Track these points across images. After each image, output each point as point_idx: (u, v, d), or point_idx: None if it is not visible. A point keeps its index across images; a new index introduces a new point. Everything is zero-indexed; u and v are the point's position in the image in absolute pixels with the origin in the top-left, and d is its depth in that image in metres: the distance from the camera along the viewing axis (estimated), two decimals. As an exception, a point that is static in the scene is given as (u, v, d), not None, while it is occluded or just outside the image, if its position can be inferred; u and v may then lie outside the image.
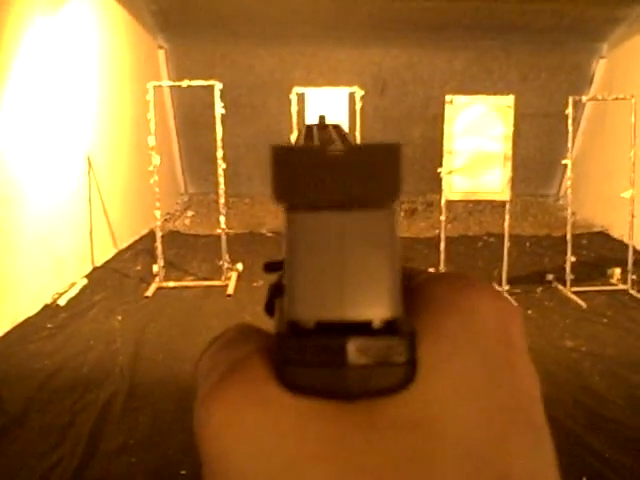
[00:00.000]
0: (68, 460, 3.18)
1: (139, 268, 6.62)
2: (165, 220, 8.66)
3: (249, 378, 0.23)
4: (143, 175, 6.53)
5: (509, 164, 5.95)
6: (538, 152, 10.05)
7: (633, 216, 6.14)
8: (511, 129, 5.96)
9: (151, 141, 5.99)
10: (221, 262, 6.20)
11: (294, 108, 6.24)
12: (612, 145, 8.25)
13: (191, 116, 9.63)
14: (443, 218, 6.17)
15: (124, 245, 7.40)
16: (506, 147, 5.97)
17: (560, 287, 5.96)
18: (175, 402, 3.72)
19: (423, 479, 0.21)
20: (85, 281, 6.07)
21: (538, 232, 8.58)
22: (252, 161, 9.68)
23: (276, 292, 0.30)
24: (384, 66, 9.64)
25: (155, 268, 6.09)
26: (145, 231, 7.81)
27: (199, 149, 9.71)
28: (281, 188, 0.22)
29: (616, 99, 6.47)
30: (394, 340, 0.22)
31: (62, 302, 5.50)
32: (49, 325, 5.01)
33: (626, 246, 6.24)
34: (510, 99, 5.99)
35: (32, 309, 5.23)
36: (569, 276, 5.88)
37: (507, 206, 6.07)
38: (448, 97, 6.06)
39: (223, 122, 6.06)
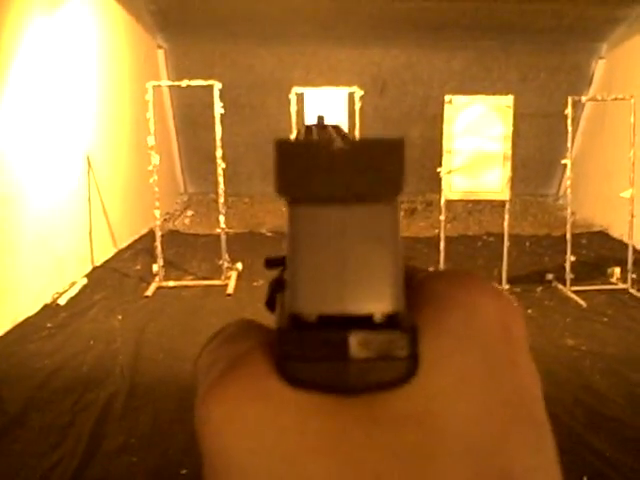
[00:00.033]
0: (68, 460, 3.17)
1: (139, 267, 6.62)
2: (165, 220, 8.66)
3: (250, 373, 0.23)
4: (143, 175, 6.53)
5: (508, 164, 5.96)
6: (538, 152, 10.06)
7: (632, 216, 6.15)
8: (510, 129, 5.97)
9: (150, 141, 5.99)
10: (221, 261, 6.20)
11: (293, 108, 6.24)
12: (611, 145, 8.26)
13: (190, 116, 9.63)
14: (443, 218, 6.17)
15: (124, 245, 7.40)
16: (505, 147, 5.97)
17: (560, 286, 5.96)
18: (175, 401, 3.72)
19: (424, 474, 0.21)
20: (85, 281, 6.07)
21: (538, 232, 8.59)
22: (251, 161, 9.68)
23: (277, 287, 0.30)
24: (384, 66, 9.65)
25: (155, 267, 6.09)
26: (145, 231, 7.81)
27: (198, 149, 9.72)
28: (284, 182, 0.22)
29: (615, 99, 6.47)
30: (396, 334, 0.22)
31: (62, 302, 5.50)
32: (49, 325, 5.01)
33: (626, 245, 6.25)
34: (509, 99, 5.99)
35: (32, 309, 5.23)
36: (569, 275, 5.89)
37: (507, 206, 6.07)
38: (447, 97, 6.06)
39: (222, 122, 6.06)
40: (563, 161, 6.34)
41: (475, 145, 6.00)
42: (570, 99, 5.99)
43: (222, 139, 6.08)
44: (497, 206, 7.89)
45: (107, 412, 3.65)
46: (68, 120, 6.03)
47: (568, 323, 5.14)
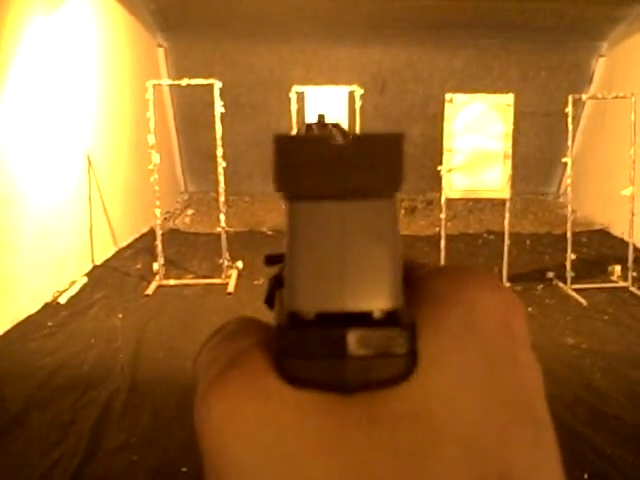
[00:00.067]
0: (69, 458, 3.18)
1: (139, 266, 6.62)
2: (165, 218, 8.66)
3: (249, 371, 0.23)
4: (143, 173, 6.53)
5: (509, 162, 5.96)
6: (538, 150, 10.05)
7: (633, 214, 6.14)
8: (511, 127, 5.97)
9: (151, 140, 5.99)
10: (221, 260, 6.20)
11: (294, 107, 6.24)
12: (612, 143, 8.25)
13: (191, 115, 9.63)
14: (443, 216, 6.17)
15: (124, 243, 7.40)
16: (506, 145, 5.97)
17: (561, 285, 5.96)
18: (176, 400, 3.72)
19: (423, 472, 0.21)
20: (85, 279, 6.07)
21: (538, 230, 8.58)
22: (252, 159, 9.67)
23: (276, 284, 0.30)
24: (384, 65, 9.64)
25: (155, 266, 6.09)
26: (145, 229, 7.81)
27: (199, 147, 9.71)
28: (283, 177, 0.22)
29: (616, 97, 6.47)
30: (394, 331, 0.22)
31: (63, 300, 5.50)
32: (50, 323, 5.01)
33: (626, 244, 6.24)
34: (510, 97, 5.99)
35: (33, 307, 5.23)
36: (569, 274, 5.88)
37: (507, 204, 6.07)
38: (448, 95, 6.06)
39: (223, 120, 6.06)
40: (563, 159, 6.33)
41: (476, 143, 6.00)
42: (570, 97, 5.99)
43: (222, 138, 6.07)
44: (498, 204, 7.89)
45: (108, 410, 3.65)
46: (68, 119, 6.03)
47: (569, 321, 5.14)
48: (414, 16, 8.36)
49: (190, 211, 9.68)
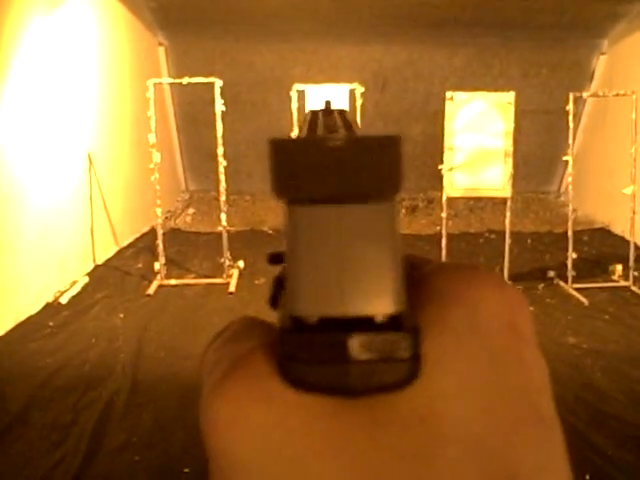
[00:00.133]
0: (71, 458, 3.18)
1: (140, 266, 6.62)
2: (166, 218, 8.66)
3: (252, 374, 0.23)
4: (144, 172, 6.53)
5: (510, 161, 5.95)
6: (539, 149, 10.04)
7: (634, 212, 6.14)
8: (512, 125, 5.96)
9: (151, 138, 5.99)
10: (222, 259, 6.21)
11: (294, 105, 6.23)
12: (613, 141, 8.24)
13: (191, 113, 9.62)
14: (444, 215, 6.17)
15: (125, 243, 7.40)
16: (507, 144, 5.96)
17: (562, 284, 5.96)
18: (177, 399, 3.73)
19: (428, 474, 0.21)
20: (86, 279, 6.07)
21: (539, 229, 8.58)
22: (253, 158, 9.67)
23: (280, 285, 0.30)
24: (384, 63, 9.63)
25: (156, 266, 6.09)
26: (146, 229, 7.80)
27: (199, 146, 9.71)
28: (280, 182, 0.22)
29: (617, 95, 6.46)
30: (398, 335, 0.22)
31: (64, 300, 5.51)
32: (51, 323, 5.02)
33: (627, 242, 6.24)
34: (511, 95, 5.98)
35: (34, 307, 5.23)
36: (570, 273, 5.88)
37: (508, 203, 6.07)
38: (448, 94, 6.05)
39: (223, 119, 6.06)
40: (564, 158, 6.33)
41: (476, 142, 5.99)
42: (571, 95, 5.98)
43: (223, 137, 6.07)
44: (498, 203, 7.89)
45: (109, 410, 3.66)
46: (69, 118, 6.03)
47: (570, 321, 5.14)
48: (414, 14, 8.35)
49: (191, 210, 9.68)
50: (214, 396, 0.23)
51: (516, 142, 6.09)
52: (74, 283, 5.88)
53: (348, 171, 0.21)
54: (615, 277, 6.15)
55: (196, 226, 8.76)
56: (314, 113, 0.38)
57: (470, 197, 7.14)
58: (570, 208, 6.20)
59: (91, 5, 6.61)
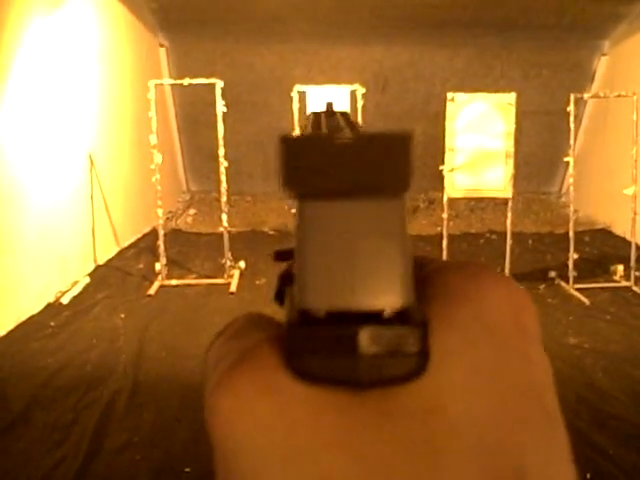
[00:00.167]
0: (72, 458, 3.18)
1: (141, 266, 6.62)
2: (167, 218, 8.66)
3: (259, 367, 0.23)
4: (145, 173, 6.53)
5: (511, 161, 5.95)
6: (540, 149, 10.04)
7: (635, 213, 6.14)
8: (513, 126, 5.96)
9: (153, 139, 5.99)
10: (223, 260, 6.21)
11: (295, 106, 6.23)
12: (614, 142, 8.24)
13: (192, 114, 9.63)
14: (445, 216, 6.16)
15: (126, 243, 7.41)
16: (508, 144, 5.96)
17: (563, 284, 5.95)
18: (178, 399, 3.72)
19: (435, 467, 0.21)
20: (88, 279, 6.08)
21: (540, 229, 8.58)
22: (254, 159, 9.67)
23: (286, 281, 0.30)
24: (385, 64, 9.63)
25: (157, 266, 6.09)
26: (147, 229, 7.81)
27: (201, 147, 9.71)
28: (291, 177, 0.22)
29: (618, 96, 6.46)
30: (406, 329, 0.22)
31: (65, 300, 5.51)
32: (52, 323, 5.02)
33: (629, 243, 6.24)
34: (512, 96, 5.98)
35: (35, 307, 5.23)
36: (572, 273, 5.88)
37: (509, 203, 6.07)
38: (449, 94, 6.06)
39: (224, 120, 6.06)
40: (566, 159, 6.33)
41: (477, 143, 5.99)
42: (572, 96, 5.98)
43: (224, 137, 6.07)
44: (499, 204, 7.89)
45: (110, 410, 3.66)
46: (70, 119, 6.04)
47: (571, 321, 5.14)
48: (415, 15, 8.36)
49: (192, 211, 9.68)
50: (220, 388, 0.23)
51: (517, 143, 6.08)
52: (75, 283, 5.88)
53: (358, 167, 0.21)
54: (616, 277, 6.14)
55: (197, 227, 8.76)
56: (316, 115, 0.38)
57: (471, 198, 7.14)
58: (571, 209, 6.20)
59: (92, 6, 6.62)
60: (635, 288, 5.88)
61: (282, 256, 0.37)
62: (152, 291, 5.79)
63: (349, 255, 0.22)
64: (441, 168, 6.04)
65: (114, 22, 7.32)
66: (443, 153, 6.03)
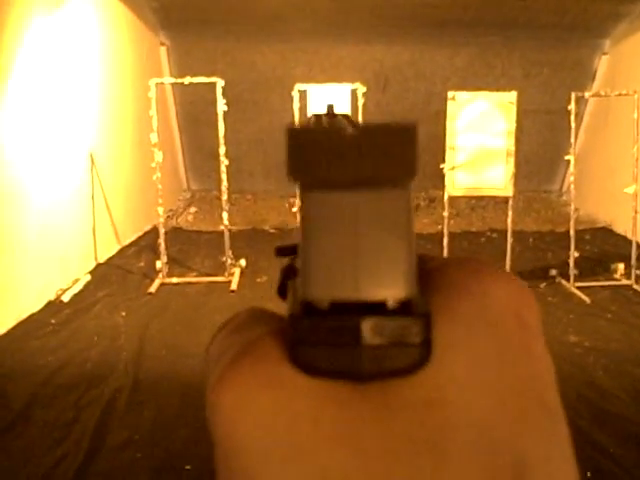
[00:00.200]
0: (73, 456, 3.18)
1: (142, 264, 6.63)
2: (168, 216, 8.66)
3: (261, 359, 0.23)
4: (146, 172, 6.54)
5: (512, 160, 5.95)
6: (541, 148, 10.04)
7: (636, 211, 6.13)
8: (514, 125, 5.96)
9: (153, 138, 5.99)
10: (224, 258, 6.21)
11: (296, 105, 6.23)
12: (615, 141, 8.24)
13: (193, 113, 9.63)
14: (446, 214, 6.16)
15: (127, 241, 7.41)
16: (509, 143, 5.96)
17: (564, 282, 5.95)
18: (179, 397, 3.72)
19: (436, 460, 0.21)
20: (88, 277, 6.08)
21: (541, 228, 8.57)
22: (254, 158, 9.68)
23: (289, 274, 0.30)
24: (386, 62, 9.63)
25: (158, 264, 6.09)
26: (148, 227, 7.81)
27: (201, 146, 9.72)
28: (297, 168, 0.22)
29: (619, 95, 6.46)
30: (409, 320, 0.22)
31: (66, 298, 5.51)
32: (53, 321, 5.02)
33: (629, 241, 6.24)
34: (513, 95, 5.98)
35: (36, 305, 5.24)
36: (573, 271, 5.87)
37: (510, 202, 6.07)
38: (450, 93, 6.06)
39: (225, 119, 6.06)
40: (566, 157, 6.32)
41: (478, 141, 5.99)
42: (573, 95, 5.97)
43: (225, 136, 6.07)
44: (500, 202, 7.90)
45: (111, 408, 3.66)
46: (71, 118, 6.04)
47: (572, 319, 5.14)
48: (416, 14, 8.36)
49: (193, 209, 9.68)
50: (221, 382, 0.23)
51: (518, 141, 6.08)
52: (76, 281, 5.89)
53: (364, 157, 0.21)
54: (617, 276, 6.14)
55: (198, 225, 8.76)
56: (317, 117, 0.38)
57: (472, 196, 7.14)
58: (572, 207, 6.19)
59: (93, 5, 6.62)
60: (636, 286, 5.88)
61: (283, 252, 0.37)
62: (153, 289, 5.79)
63: (353, 246, 0.22)
64: (442, 166, 6.04)
65: (115, 21, 7.32)
66: (444, 152, 6.03)
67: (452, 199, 6.24)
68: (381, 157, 0.22)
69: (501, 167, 5.97)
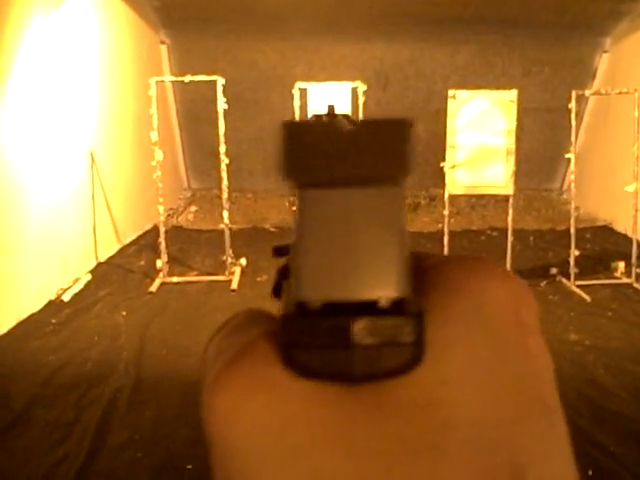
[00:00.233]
0: (74, 455, 3.18)
1: (143, 263, 6.63)
2: (168, 215, 8.66)
3: (255, 362, 0.23)
4: (146, 170, 6.53)
5: (512, 158, 5.95)
6: (541, 146, 10.03)
7: (636, 210, 6.13)
8: (514, 123, 5.95)
9: (154, 136, 5.99)
10: (225, 257, 6.21)
11: (297, 103, 6.23)
12: (615, 139, 8.23)
13: (194, 111, 9.63)
14: (446, 212, 6.16)
15: (128, 240, 7.41)
16: (509, 141, 5.96)
17: (564, 281, 5.95)
18: (180, 397, 3.73)
19: (432, 461, 0.21)
20: (89, 277, 6.08)
21: (542, 226, 8.57)
22: (255, 156, 9.67)
23: (284, 275, 0.30)
24: (386, 61, 9.62)
25: (159, 263, 6.09)
26: (148, 226, 7.81)
27: (202, 144, 9.71)
28: (291, 165, 0.22)
29: (619, 93, 6.45)
30: (401, 319, 0.22)
31: (66, 298, 5.51)
32: (53, 321, 5.02)
33: (630, 240, 6.24)
34: (513, 94, 5.98)
35: (36, 305, 5.24)
36: (573, 270, 5.87)
37: (510, 200, 6.06)
38: (451, 92, 6.05)
39: (225, 117, 6.06)
40: (567, 155, 6.32)
41: (478, 140, 5.98)
42: (574, 93, 5.97)
43: (225, 135, 6.07)
44: (501, 201, 7.89)
45: (112, 408, 3.66)
46: (71, 117, 6.04)
47: (572, 317, 5.14)
48: (416, 12, 8.35)
49: (193, 208, 9.68)
50: (216, 384, 0.23)
51: (518, 140, 6.08)
52: (76, 281, 5.89)
53: (358, 154, 0.21)
54: (617, 274, 6.14)
55: (198, 224, 8.76)
56: (318, 117, 0.38)
57: (472, 195, 7.14)
58: (572, 206, 6.19)
59: (93, 3, 6.61)
60: (636, 285, 5.88)
61: (281, 251, 0.37)
62: (153, 288, 5.79)
63: (345, 244, 0.22)
64: (442, 165, 6.04)
65: (115, 20, 7.31)
66: (444, 150, 6.03)
67: (452, 197, 6.24)
68: (376, 154, 0.21)
69: (501, 165, 5.96)
